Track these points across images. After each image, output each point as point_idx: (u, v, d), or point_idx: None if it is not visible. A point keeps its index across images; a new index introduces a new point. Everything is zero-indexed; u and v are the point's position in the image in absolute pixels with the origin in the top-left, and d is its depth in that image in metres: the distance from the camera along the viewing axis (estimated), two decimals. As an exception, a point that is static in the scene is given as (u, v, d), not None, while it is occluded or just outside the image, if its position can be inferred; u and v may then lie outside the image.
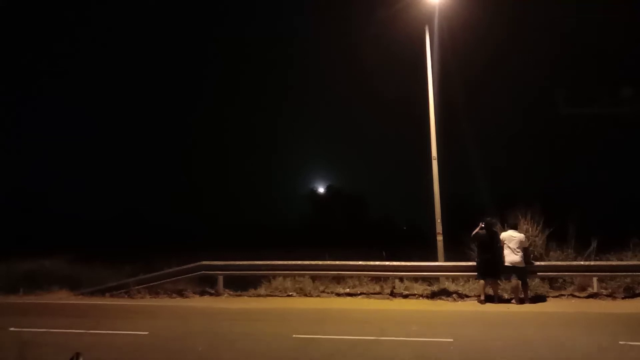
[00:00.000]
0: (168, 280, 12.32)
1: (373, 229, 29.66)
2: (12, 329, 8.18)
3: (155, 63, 57.60)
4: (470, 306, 10.07)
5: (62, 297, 12.04)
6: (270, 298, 11.54)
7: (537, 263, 10.86)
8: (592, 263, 10.95)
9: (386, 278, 11.62)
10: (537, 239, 11.71)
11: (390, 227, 32.11)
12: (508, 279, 10.34)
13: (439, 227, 12.41)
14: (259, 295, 11.74)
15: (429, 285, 11.54)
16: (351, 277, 12.00)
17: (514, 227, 10.52)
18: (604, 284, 10.81)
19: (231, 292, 12.01)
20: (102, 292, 12.14)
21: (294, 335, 7.44)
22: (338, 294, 11.49)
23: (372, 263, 11.66)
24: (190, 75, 58.77)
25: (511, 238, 10.15)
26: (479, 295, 10.27)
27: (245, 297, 11.74)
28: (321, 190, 40.67)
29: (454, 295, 10.80)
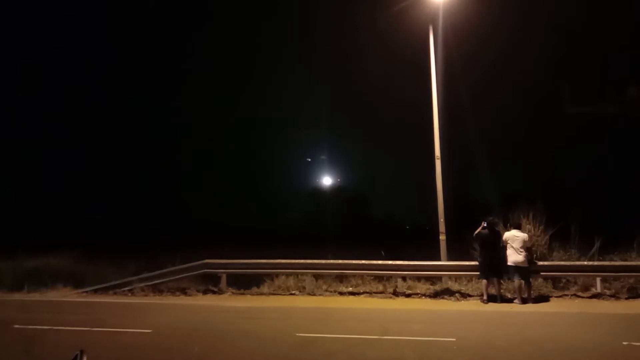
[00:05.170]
0: (171, 278, 12.37)
1: (376, 228, 29.64)
2: (16, 326, 8.22)
3: (154, 61, 57.64)
4: (473, 306, 10.06)
5: (67, 295, 12.10)
6: (273, 296, 11.57)
7: (540, 263, 10.85)
8: (596, 263, 10.92)
9: (389, 277, 11.64)
10: (539, 238, 11.68)
11: (393, 226, 32.09)
12: (511, 279, 10.33)
13: (442, 227, 12.41)
14: (261, 294, 11.77)
15: (431, 285, 11.54)
16: (354, 276, 12.02)
17: (517, 227, 10.48)
18: (607, 284, 10.76)
19: (234, 291, 12.04)
20: (105, 290, 12.20)
21: (296, 334, 7.46)
22: (341, 293, 11.51)
23: (374, 262, 11.68)
24: (191, 75, 58.85)
25: (514, 238, 10.13)
26: (482, 295, 10.26)
27: (248, 295, 11.77)
28: (324, 189, 40.57)
29: (456, 294, 10.80)
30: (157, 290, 12.20)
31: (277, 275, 12.39)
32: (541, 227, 11.74)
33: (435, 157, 12.85)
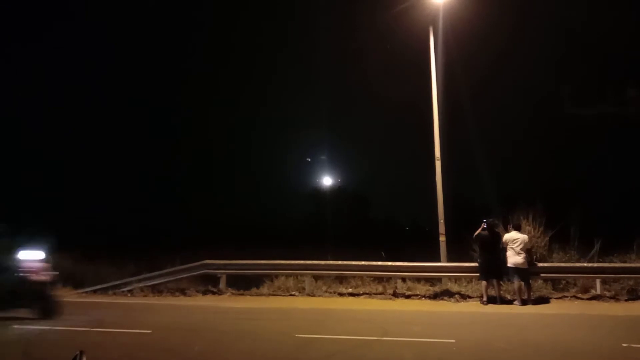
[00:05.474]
0: (171, 279, 12.38)
1: (376, 229, 29.62)
2: (16, 326, 8.22)
3: (154, 61, 57.65)
4: (472, 307, 10.07)
5: (66, 295, 12.05)
6: (272, 297, 11.57)
7: (540, 264, 10.85)
8: (595, 265, 10.93)
9: (389, 278, 11.63)
10: (539, 240, 11.69)
11: (393, 227, 32.05)
12: (511, 280, 10.32)
13: (441, 228, 12.40)
14: (261, 295, 11.77)
15: (431, 286, 11.54)
16: (354, 277, 12.02)
17: (517, 228, 10.48)
18: (607, 286, 10.77)
19: (234, 291, 12.05)
20: (105, 290, 12.21)
21: (296, 335, 7.45)
22: (340, 294, 11.50)
23: (374, 263, 11.67)
24: (191, 74, 58.93)
25: (514, 239, 10.13)
26: (482, 296, 10.26)
27: (248, 296, 11.77)
28: (324, 189, 40.52)
29: (456, 296, 10.80)
30: (156, 290, 12.20)
31: (276, 276, 12.39)
32: (541, 229, 11.75)
33: (436, 159, 12.85)
